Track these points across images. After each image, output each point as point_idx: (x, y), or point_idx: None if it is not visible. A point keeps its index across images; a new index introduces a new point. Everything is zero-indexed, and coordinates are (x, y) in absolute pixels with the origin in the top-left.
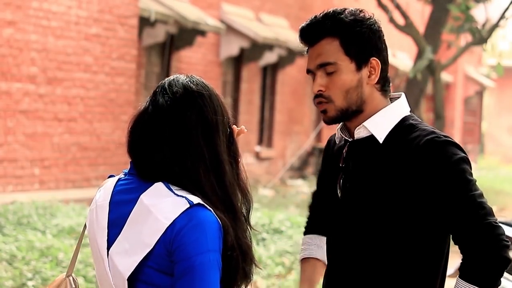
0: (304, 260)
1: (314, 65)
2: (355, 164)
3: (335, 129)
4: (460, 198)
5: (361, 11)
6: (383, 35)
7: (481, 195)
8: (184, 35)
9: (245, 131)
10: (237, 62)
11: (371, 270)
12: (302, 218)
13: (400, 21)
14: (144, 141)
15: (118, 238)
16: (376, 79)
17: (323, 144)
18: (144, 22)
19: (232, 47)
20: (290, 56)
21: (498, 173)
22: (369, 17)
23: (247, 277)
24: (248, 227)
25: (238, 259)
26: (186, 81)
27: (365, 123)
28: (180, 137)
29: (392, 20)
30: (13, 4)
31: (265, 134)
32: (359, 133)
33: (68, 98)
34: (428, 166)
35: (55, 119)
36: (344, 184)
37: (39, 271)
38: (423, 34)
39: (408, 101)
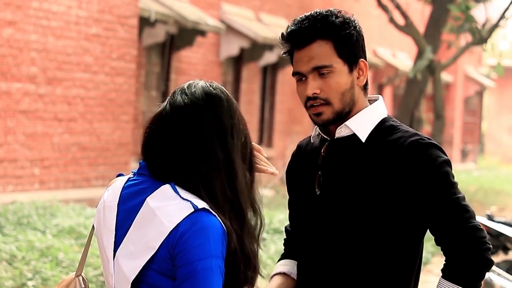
0: (273, 277)
1: (308, 68)
2: (335, 162)
3: None
4: (445, 201)
5: (339, 11)
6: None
7: (464, 198)
8: (184, 35)
9: (275, 172)
10: (237, 62)
11: (346, 267)
12: None
13: (400, 21)
14: (159, 139)
15: (124, 240)
16: (365, 80)
17: None
18: (144, 22)
19: (232, 47)
20: None
21: (498, 173)
22: (353, 18)
23: (248, 283)
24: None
25: (239, 265)
26: (206, 85)
27: (347, 123)
28: (195, 137)
29: (392, 20)
30: (13, 4)
31: (265, 134)
32: (340, 132)
33: (68, 98)
34: (412, 167)
35: (55, 119)
36: (323, 182)
37: (39, 271)
38: (423, 34)
39: (408, 101)
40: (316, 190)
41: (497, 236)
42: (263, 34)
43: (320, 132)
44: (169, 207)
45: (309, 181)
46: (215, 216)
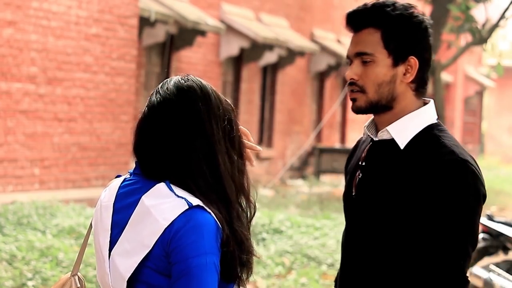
0: None
1: (353, 52)
2: (374, 164)
3: (335, 131)
4: (453, 239)
5: (411, 6)
6: (430, 35)
7: (473, 245)
8: (184, 35)
9: (260, 150)
10: (237, 62)
11: (381, 267)
12: (302, 218)
13: None
14: (143, 140)
15: (119, 239)
16: (411, 78)
17: (323, 144)
18: (144, 22)
19: (232, 47)
20: (290, 56)
21: (498, 173)
22: (417, 14)
23: (245, 266)
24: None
25: (234, 251)
26: (177, 79)
27: (388, 128)
28: (171, 130)
29: None
30: (13, 4)
31: (265, 134)
32: (382, 135)
33: (68, 98)
34: (443, 187)
35: (55, 119)
36: (360, 182)
37: (39, 271)
38: None
39: None
40: (353, 190)
41: (497, 236)
42: (263, 34)
43: (367, 131)
44: (163, 205)
45: (350, 180)
46: (209, 213)
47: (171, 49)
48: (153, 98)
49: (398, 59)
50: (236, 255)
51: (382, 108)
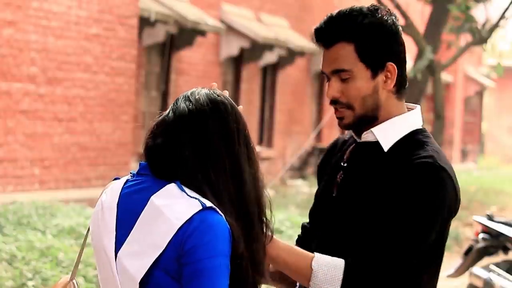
0: None
1: (329, 70)
2: (357, 165)
3: (335, 131)
4: (407, 230)
5: (377, 9)
6: (401, 35)
7: (422, 239)
8: (184, 35)
9: None
10: (237, 62)
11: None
12: (302, 218)
13: (400, 21)
14: (163, 145)
15: (127, 240)
16: (392, 84)
17: (323, 144)
18: (144, 22)
19: (232, 47)
20: (290, 56)
21: (498, 173)
22: (386, 18)
23: (255, 287)
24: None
25: (247, 269)
26: (209, 92)
27: (373, 129)
28: (201, 144)
29: None
30: (13, 4)
31: (265, 134)
32: (367, 137)
33: (68, 98)
34: (412, 188)
35: (55, 119)
36: (342, 183)
37: (39, 271)
38: (423, 34)
39: (408, 101)
40: (334, 190)
41: (497, 236)
42: (263, 34)
43: (352, 133)
44: (176, 205)
45: (330, 180)
46: (221, 216)
47: (171, 49)
48: (183, 104)
49: (376, 68)
50: (250, 274)
51: (371, 120)
